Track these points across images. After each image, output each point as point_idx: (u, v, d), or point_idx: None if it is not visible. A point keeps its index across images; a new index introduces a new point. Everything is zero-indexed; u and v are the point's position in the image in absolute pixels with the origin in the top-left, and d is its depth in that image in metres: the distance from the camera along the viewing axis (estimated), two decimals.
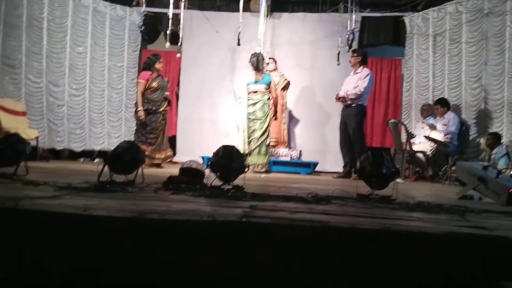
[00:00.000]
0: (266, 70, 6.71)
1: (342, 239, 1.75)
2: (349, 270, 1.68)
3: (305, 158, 7.40)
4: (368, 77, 6.24)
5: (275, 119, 6.96)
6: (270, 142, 6.63)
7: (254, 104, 6.39)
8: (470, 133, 6.92)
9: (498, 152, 6.06)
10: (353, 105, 6.25)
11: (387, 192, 3.04)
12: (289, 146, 7.69)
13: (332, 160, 7.60)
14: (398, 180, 3.19)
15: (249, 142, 6.35)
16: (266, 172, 6.28)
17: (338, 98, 6.35)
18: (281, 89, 7.42)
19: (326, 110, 7.99)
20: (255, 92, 6.42)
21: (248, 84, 6.49)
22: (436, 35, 7.51)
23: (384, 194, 3.03)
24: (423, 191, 4.31)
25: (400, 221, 2.13)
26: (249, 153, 6.23)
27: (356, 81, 6.26)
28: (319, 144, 7.98)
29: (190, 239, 1.75)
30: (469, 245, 1.73)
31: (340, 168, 6.62)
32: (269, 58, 7.33)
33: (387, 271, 1.68)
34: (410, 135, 6.54)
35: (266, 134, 6.42)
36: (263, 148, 6.36)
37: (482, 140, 6.50)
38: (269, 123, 6.49)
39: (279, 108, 7.17)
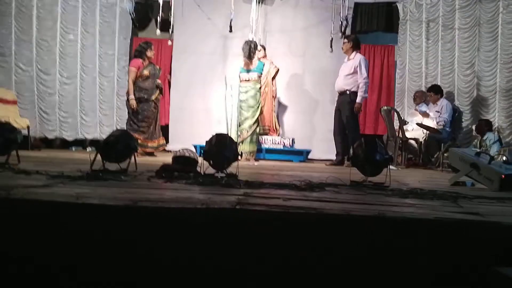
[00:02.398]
0: (259, 58, 6.67)
1: (336, 225, 1.76)
2: (344, 256, 1.69)
3: (297, 146, 7.40)
4: (363, 62, 6.23)
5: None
6: (262, 129, 6.63)
7: (246, 92, 6.37)
8: (463, 120, 6.95)
9: (489, 138, 6.10)
10: (347, 92, 6.24)
11: (380, 179, 3.05)
12: (281, 134, 7.69)
13: (324, 148, 7.60)
14: (391, 167, 3.20)
15: (239, 130, 6.34)
16: (255, 160, 6.29)
17: (358, 108, 6.23)
18: (272, 78, 7.39)
19: (319, 98, 7.97)
20: (247, 80, 6.39)
21: (240, 72, 6.46)
22: (429, 21, 7.49)
23: (377, 181, 3.04)
24: (416, 178, 4.33)
25: (394, 208, 2.13)
26: (242, 141, 6.22)
27: (350, 68, 6.24)
28: (311, 131, 7.97)
29: (184, 226, 1.75)
30: (462, 231, 1.74)
31: (332, 156, 6.63)
32: (260, 45, 7.29)
33: (381, 257, 1.68)
34: (403, 122, 6.56)
35: (258, 122, 6.43)
36: (255, 136, 6.37)
37: (474, 127, 6.54)
38: (261, 111, 6.48)
39: (270, 96, 7.16)
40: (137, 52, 6.36)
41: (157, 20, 6.89)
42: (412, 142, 6.64)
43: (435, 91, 6.85)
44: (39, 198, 1.93)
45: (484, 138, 6.13)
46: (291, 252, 1.70)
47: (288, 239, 1.71)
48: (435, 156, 6.29)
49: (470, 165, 3.33)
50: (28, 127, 6.71)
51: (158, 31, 6.84)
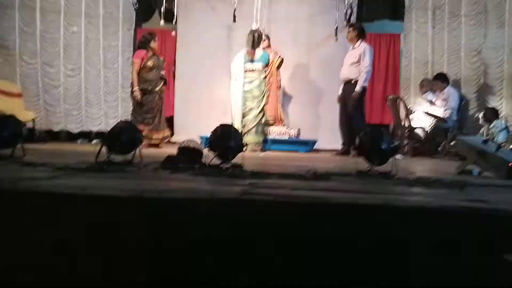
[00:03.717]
0: (263, 48, 6.63)
1: (343, 215, 1.75)
2: (350, 245, 1.68)
3: (303, 136, 7.37)
4: (368, 52, 6.17)
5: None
6: (268, 119, 6.61)
7: (251, 82, 6.34)
8: (470, 108, 6.90)
9: (496, 126, 6.05)
10: (352, 81, 6.19)
11: (386, 168, 3.04)
12: (287, 124, 7.66)
13: (330, 138, 7.56)
14: (397, 156, 3.18)
15: (244, 121, 6.31)
16: (261, 150, 6.27)
17: (355, 98, 6.09)
18: (276, 68, 7.34)
19: (324, 87, 7.92)
20: (252, 70, 6.35)
21: (244, 62, 6.42)
22: (435, 8, 7.40)
23: (383, 170, 3.02)
24: (422, 167, 4.31)
25: (401, 197, 2.12)
26: (247, 132, 6.21)
27: (355, 56, 6.19)
28: (317, 121, 7.94)
29: (190, 217, 1.74)
30: (469, 219, 1.73)
31: (338, 145, 6.60)
32: (264, 35, 7.24)
33: (389, 246, 1.67)
34: (409, 111, 6.51)
35: (263, 112, 6.40)
36: (260, 127, 6.35)
37: (481, 115, 6.49)
38: (266, 101, 6.46)
39: (275, 86, 7.12)
40: (141, 43, 6.34)
41: (160, 11, 6.86)
42: (419, 131, 6.60)
43: (442, 79, 6.79)
44: (45, 190, 1.93)
45: (491, 126, 6.08)
46: (297, 241, 1.69)
47: (295, 229, 1.70)
48: (441, 144, 6.25)
49: (477, 153, 3.30)
50: (33, 120, 6.74)
51: (162, 22, 6.81)
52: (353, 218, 1.73)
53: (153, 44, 6.28)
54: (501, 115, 6.29)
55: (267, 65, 6.38)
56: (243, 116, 6.34)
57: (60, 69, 7.57)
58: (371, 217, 1.73)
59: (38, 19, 7.26)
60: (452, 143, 5.48)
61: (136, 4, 6.71)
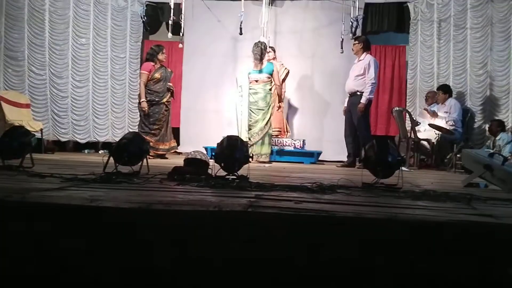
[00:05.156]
0: (269, 59, 6.68)
1: (348, 228, 1.75)
2: (356, 259, 1.68)
3: (308, 147, 7.39)
4: (373, 64, 6.19)
5: (279, 107, 6.92)
6: (272, 132, 6.64)
7: (256, 93, 6.38)
8: (476, 120, 6.88)
9: (502, 139, 6.03)
10: (358, 93, 6.21)
11: (392, 180, 3.03)
12: (292, 135, 7.68)
13: (335, 149, 7.58)
14: (403, 168, 3.18)
15: (250, 133, 6.33)
16: (269, 162, 6.29)
17: (361, 109, 6.12)
18: (282, 80, 7.38)
19: (329, 99, 7.96)
20: (257, 81, 6.40)
21: (249, 73, 6.46)
22: (440, 21, 7.44)
23: (389, 183, 3.02)
24: (428, 179, 4.30)
25: (406, 210, 2.12)
26: (253, 144, 6.23)
27: (360, 69, 6.22)
28: (322, 133, 7.96)
29: (196, 229, 1.76)
30: (476, 233, 1.73)
31: (344, 157, 6.61)
32: (269, 47, 7.30)
33: (394, 260, 1.68)
34: (415, 123, 6.51)
35: (269, 124, 6.43)
36: (266, 138, 6.37)
37: (487, 127, 6.47)
38: (271, 113, 6.49)
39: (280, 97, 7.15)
40: (149, 55, 6.42)
41: (168, 23, 6.94)
42: (425, 143, 6.59)
43: (444, 90, 6.80)
44: (54, 201, 1.95)
45: (497, 138, 6.07)
46: (303, 255, 1.69)
47: (300, 242, 1.71)
48: (447, 157, 6.24)
49: (483, 166, 3.29)
50: (41, 130, 6.80)
51: (169, 34, 6.89)
52: (359, 231, 1.73)
53: (161, 56, 6.35)
54: (507, 128, 6.27)
55: (271, 75, 6.42)
56: (249, 128, 6.36)
57: (68, 80, 7.65)
58: (377, 230, 1.73)
59: (47, 31, 7.36)
60: (458, 156, 5.47)
61: (144, 16, 6.80)
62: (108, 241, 1.74)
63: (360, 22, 7.23)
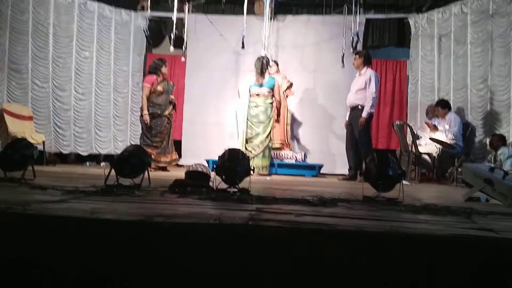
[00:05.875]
0: (270, 73, 6.73)
1: (349, 242, 1.75)
2: (356, 272, 1.68)
3: (310, 160, 7.39)
4: (373, 78, 6.22)
5: (277, 121, 6.93)
6: (272, 145, 6.66)
7: (257, 106, 6.41)
8: (477, 135, 6.88)
9: (503, 153, 6.03)
10: (359, 107, 6.24)
11: (393, 194, 3.04)
12: (293, 148, 7.69)
13: (337, 162, 7.59)
14: (404, 182, 3.18)
15: (251, 146, 6.35)
16: (269, 174, 6.30)
17: (362, 123, 6.12)
18: (284, 91, 7.43)
19: (330, 112, 7.99)
20: (258, 95, 6.43)
21: (251, 87, 6.51)
22: (441, 36, 7.49)
23: (390, 197, 3.02)
24: (429, 193, 4.30)
25: (407, 224, 2.12)
26: (254, 156, 6.24)
27: (361, 83, 6.25)
28: (323, 146, 7.98)
29: (197, 242, 1.76)
30: (476, 247, 1.73)
31: (345, 170, 6.61)
32: (272, 61, 7.35)
33: (394, 273, 1.67)
34: (416, 137, 6.52)
35: (270, 137, 6.45)
36: (267, 151, 6.39)
37: (488, 142, 6.47)
38: (272, 126, 6.52)
39: (282, 111, 7.18)
40: (152, 68, 6.46)
41: (170, 37, 7.00)
42: (426, 157, 6.59)
43: (442, 105, 6.81)
44: (55, 213, 1.96)
45: (498, 153, 6.06)
46: (303, 268, 1.69)
47: (301, 255, 1.71)
48: (448, 171, 6.23)
49: (484, 181, 3.29)
50: (43, 143, 6.81)
51: (172, 48, 6.94)
52: (359, 245, 1.74)
53: (164, 70, 6.40)
54: (508, 142, 6.27)
55: (272, 89, 6.45)
56: (248, 141, 6.39)
57: (71, 92, 7.69)
58: (378, 244, 1.73)
59: (51, 44, 7.42)
60: (459, 170, 5.47)
61: (147, 30, 6.87)
62: (110, 253, 1.75)
63: (361, 37, 7.29)
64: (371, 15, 8.19)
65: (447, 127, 6.61)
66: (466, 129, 6.75)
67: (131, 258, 1.73)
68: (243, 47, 6.78)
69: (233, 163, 3.17)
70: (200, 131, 8.17)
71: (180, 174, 3.74)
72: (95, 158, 8.10)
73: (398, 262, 1.69)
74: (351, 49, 6.79)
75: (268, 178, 5.86)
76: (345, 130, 6.57)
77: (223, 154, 3.27)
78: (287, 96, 7.52)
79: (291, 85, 7.55)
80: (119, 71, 8.22)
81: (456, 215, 2.48)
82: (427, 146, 6.62)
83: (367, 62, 6.38)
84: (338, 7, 7.90)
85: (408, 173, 6.06)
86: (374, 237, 1.78)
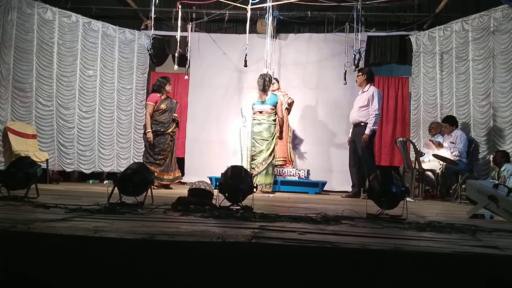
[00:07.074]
0: (272, 90, 6.77)
1: (353, 260, 1.74)
2: None
3: (313, 178, 7.38)
4: (376, 95, 6.24)
5: (280, 138, 6.94)
6: (276, 162, 6.66)
7: (260, 124, 6.42)
8: (480, 151, 6.87)
9: (507, 169, 6.00)
10: (362, 124, 6.25)
11: (397, 211, 3.02)
12: (296, 165, 7.69)
13: (340, 179, 7.58)
14: (408, 199, 3.17)
15: (254, 164, 6.35)
16: (272, 192, 6.28)
17: (365, 141, 6.16)
18: (285, 108, 7.45)
19: (333, 129, 8.01)
20: (261, 112, 6.46)
21: (253, 104, 6.54)
22: (442, 53, 7.54)
23: (394, 214, 3.00)
24: (433, 210, 4.27)
25: (411, 241, 2.11)
26: (257, 174, 6.23)
27: (364, 100, 6.28)
28: (326, 163, 7.97)
29: (200, 260, 1.75)
30: (481, 265, 1.71)
31: (348, 187, 6.60)
32: (273, 78, 7.40)
33: None
34: (419, 154, 6.51)
35: (273, 154, 6.45)
36: (270, 168, 6.38)
37: (491, 158, 6.46)
38: (275, 143, 6.52)
39: (285, 128, 7.19)
40: (156, 86, 6.51)
41: (174, 56, 7.07)
42: (429, 173, 6.57)
43: (451, 122, 6.82)
44: (58, 231, 1.96)
45: (502, 169, 6.04)
46: (307, 286, 1.68)
47: (304, 273, 1.70)
48: (452, 187, 6.21)
49: (488, 197, 3.27)
50: (47, 161, 6.83)
51: (175, 66, 7.01)
52: (363, 262, 1.72)
53: (168, 88, 6.46)
54: (511, 158, 6.25)
55: (275, 106, 6.48)
56: (254, 158, 6.39)
57: (75, 111, 7.74)
58: (382, 262, 1.72)
59: (55, 63, 7.50)
60: (463, 186, 5.44)
61: (150, 49, 6.95)
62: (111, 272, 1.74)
63: (363, 54, 7.34)
64: (373, 33, 8.26)
65: (452, 145, 6.60)
66: (470, 146, 6.75)
67: (134, 276, 1.73)
68: (245, 65, 6.83)
69: (236, 180, 3.16)
70: (203, 148, 8.19)
71: (183, 191, 3.73)
72: (98, 176, 8.11)
73: (402, 280, 1.67)
74: (353, 66, 6.84)
75: (271, 195, 5.85)
76: (347, 147, 6.57)
77: (226, 172, 3.26)
78: (288, 113, 7.55)
79: (292, 102, 7.58)
80: (123, 89, 8.29)
81: (461, 232, 2.46)
82: (430, 163, 6.61)
83: (369, 79, 6.42)
84: (339, 25, 7.98)
85: (412, 190, 6.04)
86: (378, 255, 1.76)
